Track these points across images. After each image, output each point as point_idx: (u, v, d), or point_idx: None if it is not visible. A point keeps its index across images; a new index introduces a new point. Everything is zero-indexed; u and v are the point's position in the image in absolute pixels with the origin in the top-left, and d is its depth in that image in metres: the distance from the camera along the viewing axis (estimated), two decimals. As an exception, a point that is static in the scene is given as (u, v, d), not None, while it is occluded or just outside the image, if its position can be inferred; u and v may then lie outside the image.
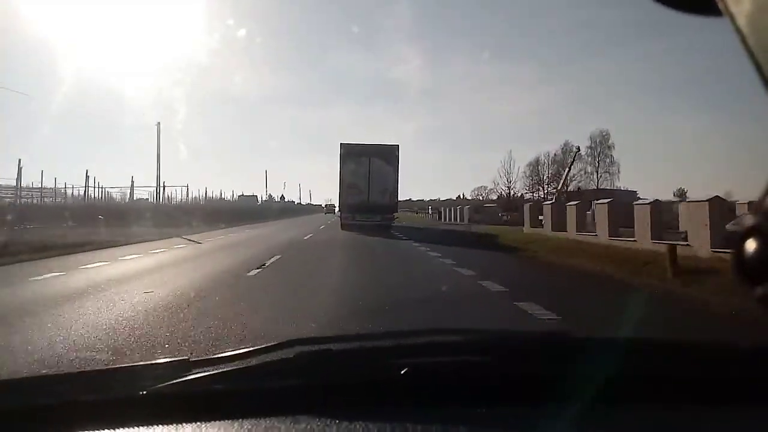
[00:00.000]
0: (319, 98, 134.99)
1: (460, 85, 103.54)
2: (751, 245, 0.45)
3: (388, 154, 27.65)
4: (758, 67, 0.44)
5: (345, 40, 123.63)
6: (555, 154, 66.09)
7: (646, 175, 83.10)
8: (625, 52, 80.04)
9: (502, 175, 66.74)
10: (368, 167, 27.15)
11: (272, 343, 1.15)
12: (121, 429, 0.94)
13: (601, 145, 64.27)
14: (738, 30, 0.45)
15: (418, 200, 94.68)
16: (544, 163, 67.09)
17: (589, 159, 64.23)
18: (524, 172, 66.49)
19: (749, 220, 0.46)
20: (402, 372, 1.02)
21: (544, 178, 67.04)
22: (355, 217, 26.99)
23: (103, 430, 0.94)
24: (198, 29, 59.91)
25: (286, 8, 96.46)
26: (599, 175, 63.89)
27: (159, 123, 36.17)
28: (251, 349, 1.12)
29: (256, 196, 79.13)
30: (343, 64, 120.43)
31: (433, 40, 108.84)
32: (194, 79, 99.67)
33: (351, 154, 27.46)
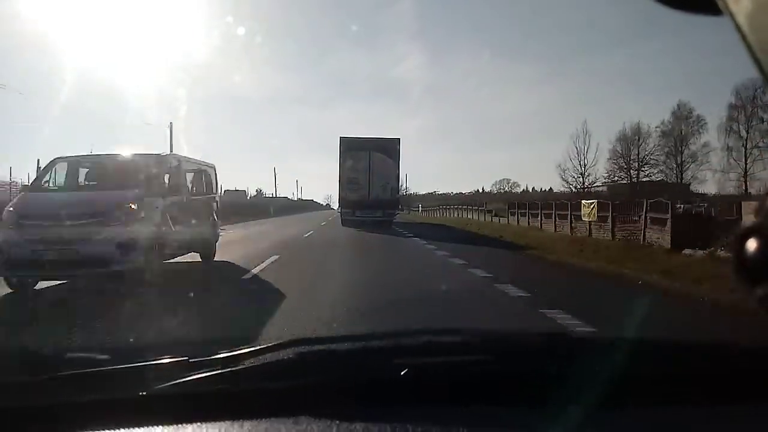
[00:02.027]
0: (322, 97, 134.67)
1: (463, 83, 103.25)
2: (751, 245, 0.46)
3: (389, 148, 26.39)
4: (758, 66, 0.44)
5: (347, 39, 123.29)
6: (662, 122, 44.71)
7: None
8: (627, 51, 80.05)
9: (572, 156, 44.80)
10: (369, 161, 25.98)
11: (272, 343, 1.14)
12: (121, 430, 0.94)
13: (752, 103, 38.17)
14: (738, 28, 0.45)
15: (442, 194, 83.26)
16: (635, 138, 45.03)
17: (726, 130, 38.90)
18: (614, 150, 45.40)
19: (749, 220, 0.47)
20: (402, 372, 1.01)
21: (636, 158, 45.08)
22: (355, 213, 25.85)
23: (103, 430, 0.94)
24: (200, 28, 58.25)
25: (287, 7, 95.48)
26: (748, 152, 38.35)
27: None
28: (251, 349, 1.12)
29: (244, 191, 75.48)
30: (345, 63, 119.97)
31: (435, 39, 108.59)
32: (195, 78, 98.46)
33: (351, 148, 26.32)
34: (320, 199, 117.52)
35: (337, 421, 0.91)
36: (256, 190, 76.91)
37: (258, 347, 1.12)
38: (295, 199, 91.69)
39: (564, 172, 45.40)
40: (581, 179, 44.95)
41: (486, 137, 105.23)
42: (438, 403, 1.00)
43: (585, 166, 44.93)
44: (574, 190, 43.62)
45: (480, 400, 0.99)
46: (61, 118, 79.85)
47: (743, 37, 0.44)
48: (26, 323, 5.32)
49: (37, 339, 4.59)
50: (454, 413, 0.96)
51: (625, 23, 77.58)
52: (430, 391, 1.02)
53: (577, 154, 45.12)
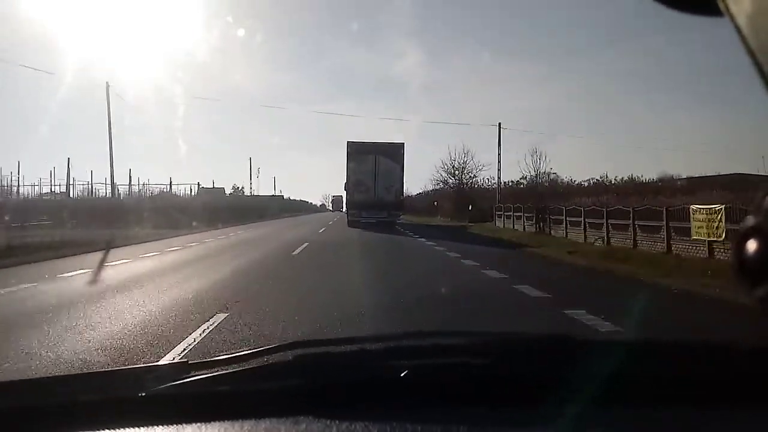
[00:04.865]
0: (322, 95, 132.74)
1: (462, 80, 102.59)
2: (751, 246, 0.46)
3: (395, 152, 28.24)
4: (759, 67, 0.44)
5: (347, 37, 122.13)
6: None
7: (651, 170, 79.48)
8: (627, 51, 79.87)
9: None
10: (374, 165, 27.69)
11: (272, 345, 1.15)
12: (121, 430, 0.94)
13: None
14: (738, 30, 0.45)
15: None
16: None
17: None
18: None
19: (750, 221, 0.47)
20: (402, 374, 1.01)
21: None
22: (361, 214, 27.42)
23: (104, 431, 0.94)
24: (198, 26, 56.46)
25: (287, 5, 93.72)
26: None
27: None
28: (251, 351, 1.12)
29: (223, 188, 63.24)
30: (344, 61, 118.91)
31: (435, 37, 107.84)
32: (194, 76, 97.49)
33: (358, 152, 28.06)
34: (313, 200, 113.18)
35: (337, 422, 0.91)
36: (233, 187, 71.77)
37: (257, 349, 1.13)
38: (269, 196, 74.40)
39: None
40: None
41: (487, 136, 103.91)
42: (438, 404, 1.00)
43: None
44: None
45: (480, 401, 0.99)
46: (59, 116, 77.82)
47: (743, 39, 0.44)
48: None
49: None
50: (454, 414, 0.96)
51: (625, 22, 77.58)
52: (431, 393, 1.02)
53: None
